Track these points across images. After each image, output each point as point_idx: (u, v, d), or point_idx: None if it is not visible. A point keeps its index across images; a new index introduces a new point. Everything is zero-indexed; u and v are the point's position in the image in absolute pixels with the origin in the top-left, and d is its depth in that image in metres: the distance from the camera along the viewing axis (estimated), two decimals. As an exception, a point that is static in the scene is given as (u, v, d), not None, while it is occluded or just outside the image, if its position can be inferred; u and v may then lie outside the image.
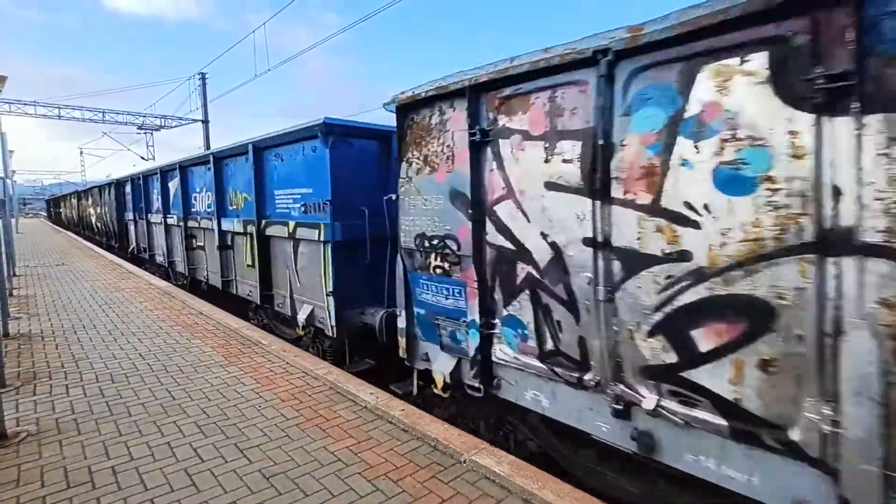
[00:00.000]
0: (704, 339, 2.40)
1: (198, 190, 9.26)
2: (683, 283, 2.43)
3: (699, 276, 2.37)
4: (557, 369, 3.16)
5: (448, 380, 3.95)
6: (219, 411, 4.09)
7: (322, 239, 5.53)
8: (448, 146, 3.80)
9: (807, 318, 2.09)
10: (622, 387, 2.80)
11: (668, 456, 2.70)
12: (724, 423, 2.41)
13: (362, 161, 5.70)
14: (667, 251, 2.48)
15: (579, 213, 2.88)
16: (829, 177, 1.99)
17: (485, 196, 3.53)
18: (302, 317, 6.06)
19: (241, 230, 7.44)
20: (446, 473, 3.12)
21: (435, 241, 3.94)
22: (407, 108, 4.18)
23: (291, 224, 6.07)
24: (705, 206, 2.35)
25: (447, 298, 3.93)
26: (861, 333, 1.94)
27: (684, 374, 2.51)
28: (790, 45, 2.07)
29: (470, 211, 3.60)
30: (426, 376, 4.37)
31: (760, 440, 2.28)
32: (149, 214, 12.73)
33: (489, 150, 3.48)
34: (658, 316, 2.55)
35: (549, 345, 3.19)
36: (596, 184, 2.77)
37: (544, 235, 3.10)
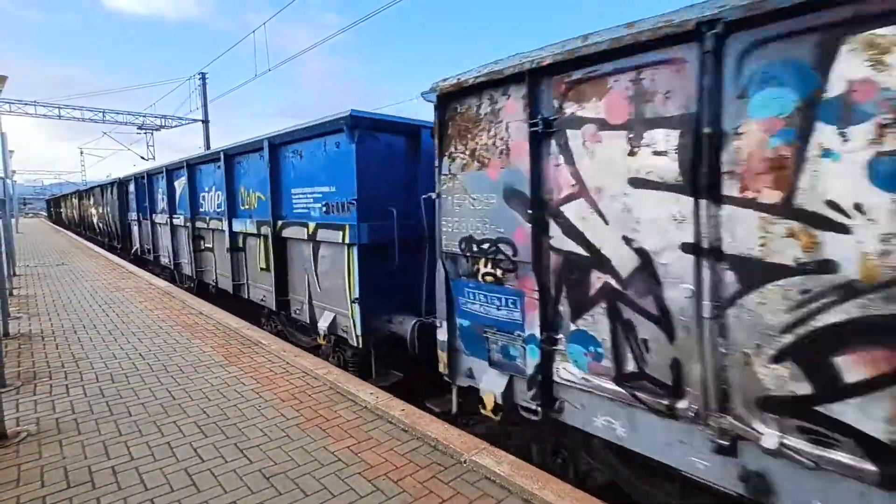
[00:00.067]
0: (853, 367, 1.97)
1: (206, 189, 8.82)
2: (826, 300, 2.00)
3: (849, 291, 1.95)
4: (640, 394, 2.73)
5: (499, 400, 3.53)
6: (219, 411, 4.06)
7: (347, 241, 5.10)
8: (501, 139, 3.38)
9: None
10: (730, 419, 2.38)
11: (786, 502, 2.28)
12: (871, 467, 1.99)
13: (389, 157, 5.28)
14: (802, 260, 2.06)
15: (677, 214, 2.45)
16: None
17: (548, 194, 3.10)
18: (323, 325, 5.63)
19: (255, 231, 7.01)
20: (446, 473, 3.11)
21: (485, 246, 3.52)
22: (449, 98, 3.76)
23: (311, 225, 5.64)
24: (857, 207, 1.92)
25: (499, 309, 3.51)
26: None
27: (820, 409, 2.08)
28: None
29: (529, 211, 3.17)
30: (465, 392, 3.95)
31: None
32: (153, 215, 12.27)
33: (553, 142, 3.06)
34: (788, 338, 2.12)
35: (631, 366, 2.76)
36: (701, 179, 2.34)
37: (628, 240, 2.67)
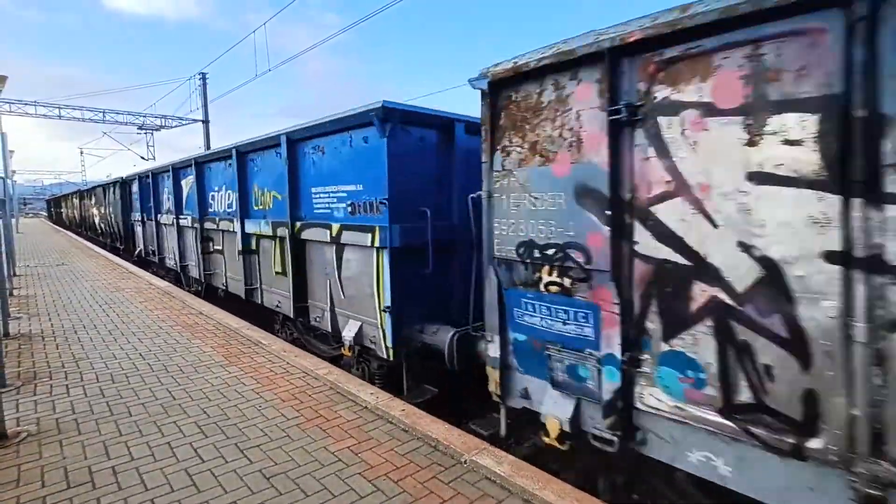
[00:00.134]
0: None
1: (216, 188, 8.39)
2: None
3: None
4: (756, 429, 2.30)
5: (566, 427, 3.10)
6: (219, 411, 4.02)
7: (376, 244, 4.67)
8: (570, 129, 2.95)
9: None
10: (886, 465, 1.95)
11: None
12: None
13: (421, 153, 4.85)
14: None
15: (818, 216, 2.02)
16: None
17: (633, 193, 2.67)
18: (348, 334, 5.20)
19: (270, 233, 6.57)
20: (447, 474, 3.09)
21: (550, 252, 3.09)
22: (501, 85, 3.34)
23: (335, 227, 5.21)
24: None
25: (565, 324, 3.08)
26: None
27: None
28: None
29: (608, 213, 2.75)
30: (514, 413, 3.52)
31: None
32: (159, 215, 11.84)
33: (641, 131, 2.63)
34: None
35: (745, 396, 2.33)
36: (854, 174, 1.91)
37: (746, 247, 2.24)
